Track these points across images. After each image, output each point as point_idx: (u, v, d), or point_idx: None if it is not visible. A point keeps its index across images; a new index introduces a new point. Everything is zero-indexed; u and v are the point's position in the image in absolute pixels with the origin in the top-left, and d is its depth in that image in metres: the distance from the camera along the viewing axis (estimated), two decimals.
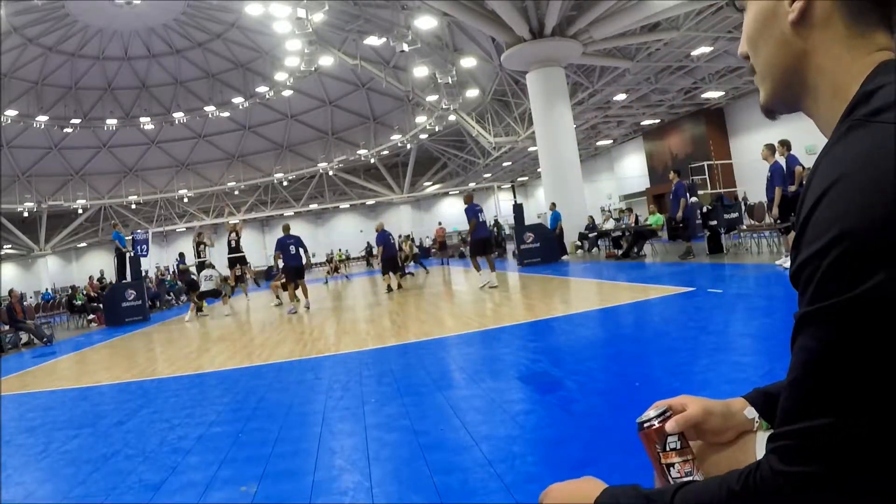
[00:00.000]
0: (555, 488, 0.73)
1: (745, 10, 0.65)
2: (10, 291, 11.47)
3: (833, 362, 0.46)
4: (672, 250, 11.95)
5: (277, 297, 12.75)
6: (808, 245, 0.49)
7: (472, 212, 9.65)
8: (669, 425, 0.71)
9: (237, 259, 13.53)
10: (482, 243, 9.88)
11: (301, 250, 10.36)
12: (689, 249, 9.98)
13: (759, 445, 0.78)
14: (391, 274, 11.83)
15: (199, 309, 12.45)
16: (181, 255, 16.76)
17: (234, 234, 13.53)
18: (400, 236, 16.54)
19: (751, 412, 0.77)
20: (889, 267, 0.43)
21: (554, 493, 0.72)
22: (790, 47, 0.59)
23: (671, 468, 0.69)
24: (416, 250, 19.24)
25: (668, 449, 0.69)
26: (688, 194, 10.48)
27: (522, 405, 2.93)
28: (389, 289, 11.38)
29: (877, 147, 0.47)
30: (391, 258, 12.00)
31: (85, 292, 14.89)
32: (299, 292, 10.23)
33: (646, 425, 0.72)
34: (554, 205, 15.08)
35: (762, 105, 0.67)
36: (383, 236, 11.87)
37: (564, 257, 14.20)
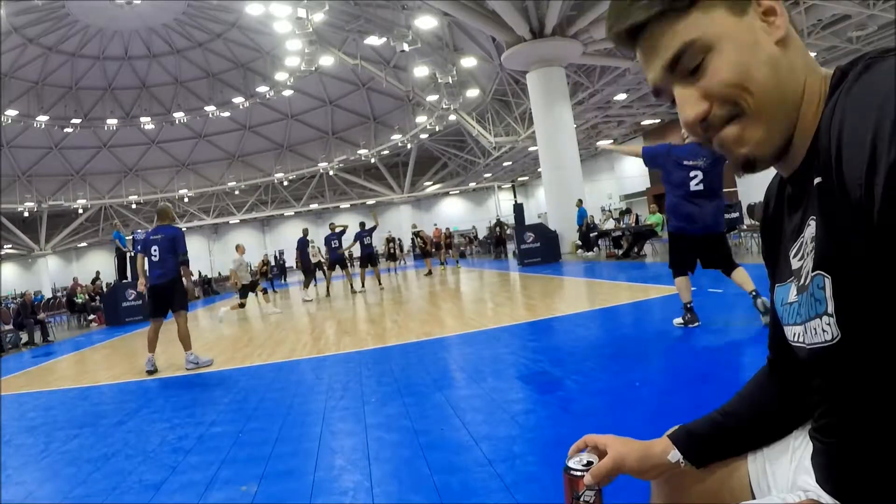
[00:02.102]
0: None
1: (707, 57, 0.58)
2: (24, 294, 12.50)
3: None
4: None
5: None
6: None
7: (361, 235, 12.17)
8: (586, 479, 0.74)
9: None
10: (368, 258, 12.65)
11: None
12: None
13: (751, 469, 0.78)
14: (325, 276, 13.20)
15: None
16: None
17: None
18: (394, 238, 16.33)
19: (674, 455, 0.79)
20: None
21: None
22: (782, 67, 0.57)
23: None
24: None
25: (581, 501, 0.74)
26: None
27: (522, 405, 2.93)
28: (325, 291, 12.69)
29: None
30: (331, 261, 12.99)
31: (83, 293, 14.97)
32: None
33: (570, 473, 0.76)
34: (581, 201, 14.92)
35: (751, 154, 0.60)
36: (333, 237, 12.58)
37: (582, 253, 13.99)
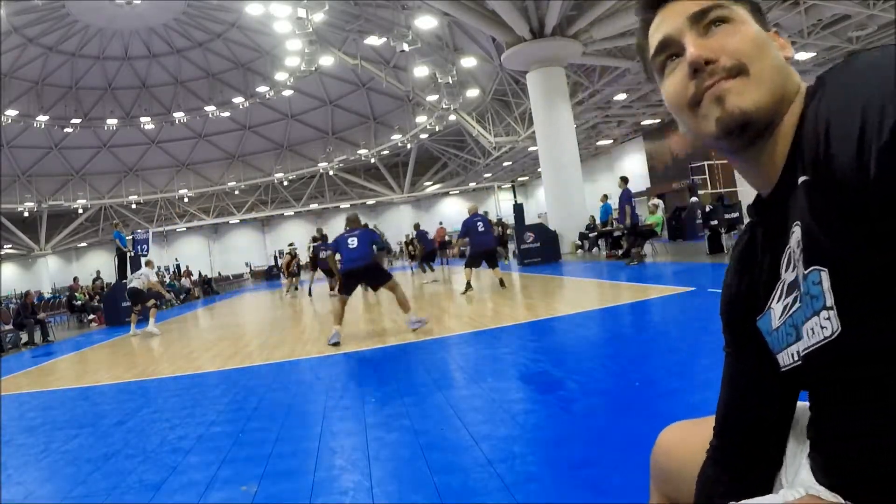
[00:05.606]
0: None
1: (732, 23, 0.64)
2: (27, 293, 12.47)
3: None
4: (672, 250, 11.96)
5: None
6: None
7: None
8: None
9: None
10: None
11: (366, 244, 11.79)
12: (627, 253, 10.66)
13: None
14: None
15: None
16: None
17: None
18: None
19: None
20: None
21: None
22: (784, 68, 0.64)
23: None
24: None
25: None
26: (632, 201, 10.92)
27: (522, 405, 2.93)
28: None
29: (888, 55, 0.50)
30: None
31: (76, 291, 15.01)
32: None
33: None
34: (606, 196, 14.80)
35: (748, 109, 0.61)
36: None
37: (617, 253, 13.78)
